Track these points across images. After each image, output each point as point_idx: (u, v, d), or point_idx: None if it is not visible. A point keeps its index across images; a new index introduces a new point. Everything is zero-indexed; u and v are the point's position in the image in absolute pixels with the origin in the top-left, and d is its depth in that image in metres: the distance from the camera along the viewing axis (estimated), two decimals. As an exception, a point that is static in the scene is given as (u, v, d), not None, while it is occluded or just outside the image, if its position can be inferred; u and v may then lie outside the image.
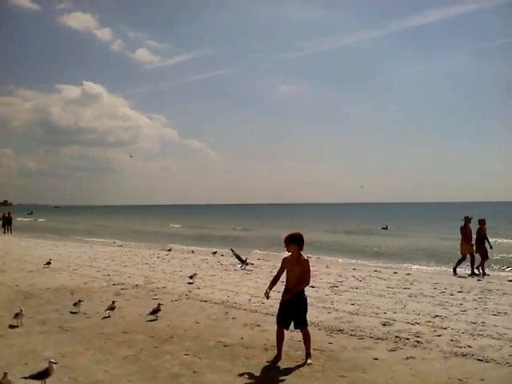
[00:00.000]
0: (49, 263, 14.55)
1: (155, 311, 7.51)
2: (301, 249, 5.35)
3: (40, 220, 70.19)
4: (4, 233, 34.83)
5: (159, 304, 7.74)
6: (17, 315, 6.91)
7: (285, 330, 5.41)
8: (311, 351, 5.41)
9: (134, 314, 7.70)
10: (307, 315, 5.41)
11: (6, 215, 36.53)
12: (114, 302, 7.94)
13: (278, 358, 5.37)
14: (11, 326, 6.85)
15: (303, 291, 5.34)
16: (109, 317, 7.50)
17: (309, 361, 5.27)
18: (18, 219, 63.75)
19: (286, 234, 5.47)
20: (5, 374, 4.33)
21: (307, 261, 5.34)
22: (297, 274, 5.27)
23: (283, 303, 5.36)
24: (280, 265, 5.50)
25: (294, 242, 5.34)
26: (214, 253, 19.18)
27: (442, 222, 54.66)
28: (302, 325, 5.34)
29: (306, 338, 5.39)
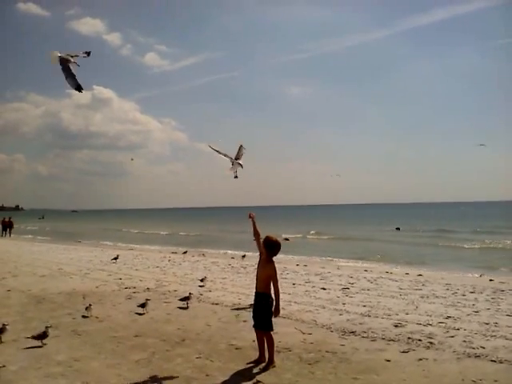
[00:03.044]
0: (116, 258, 14.80)
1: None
2: (269, 255, 5.29)
3: (52, 224, 70.62)
4: (2, 236, 36.85)
5: (190, 293, 8.61)
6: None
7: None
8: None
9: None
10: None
11: (6, 220, 38.41)
12: (190, 293, 8.62)
13: (260, 359, 5.35)
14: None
15: (269, 295, 5.26)
16: (187, 307, 8.30)
17: (270, 366, 5.19)
18: (29, 224, 64.41)
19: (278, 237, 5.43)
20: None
21: (274, 267, 5.27)
22: (263, 277, 5.27)
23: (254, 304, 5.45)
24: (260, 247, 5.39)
25: (265, 245, 5.30)
26: (244, 256, 18.05)
27: (452, 222, 54.31)
28: (263, 328, 5.29)
29: (269, 343, 5.30)
